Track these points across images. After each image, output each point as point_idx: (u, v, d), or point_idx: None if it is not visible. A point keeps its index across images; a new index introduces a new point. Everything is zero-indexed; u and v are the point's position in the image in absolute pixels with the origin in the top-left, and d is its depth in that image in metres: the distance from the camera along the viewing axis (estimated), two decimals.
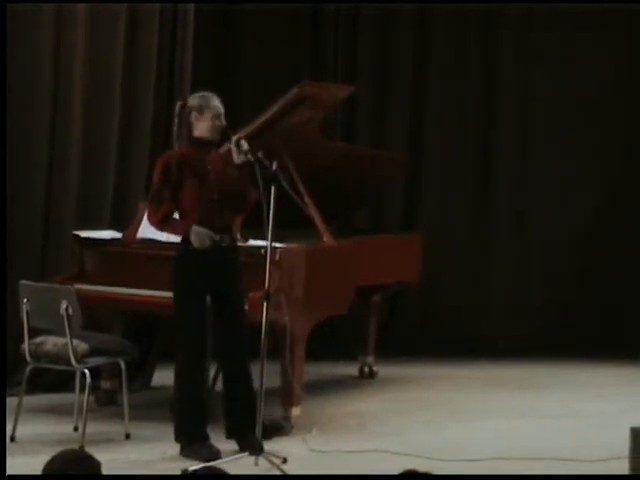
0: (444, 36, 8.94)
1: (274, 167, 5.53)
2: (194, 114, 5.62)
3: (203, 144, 5.67)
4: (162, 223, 5.67)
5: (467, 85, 9.00)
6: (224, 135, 5.69)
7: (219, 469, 3.32)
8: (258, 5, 8.48)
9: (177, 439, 5.63)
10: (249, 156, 5.52)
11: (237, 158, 5.55)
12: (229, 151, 5.67)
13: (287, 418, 6.16)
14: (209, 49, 8.26)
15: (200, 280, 5.61)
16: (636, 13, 8.63)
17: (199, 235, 5.53)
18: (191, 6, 7.46)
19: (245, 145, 5.56)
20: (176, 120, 5.71)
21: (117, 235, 6.61)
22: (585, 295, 8.88)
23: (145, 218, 6.40)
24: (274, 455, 5.46)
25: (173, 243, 6.03)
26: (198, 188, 5.57)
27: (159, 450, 5.68)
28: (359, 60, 8.92)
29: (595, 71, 8.86)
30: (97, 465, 3.21)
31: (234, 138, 5.60)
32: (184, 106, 5.68)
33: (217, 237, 5.56)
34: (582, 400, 7.27)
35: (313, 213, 6.43)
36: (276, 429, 5.86)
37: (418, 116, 8.99)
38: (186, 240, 5.59)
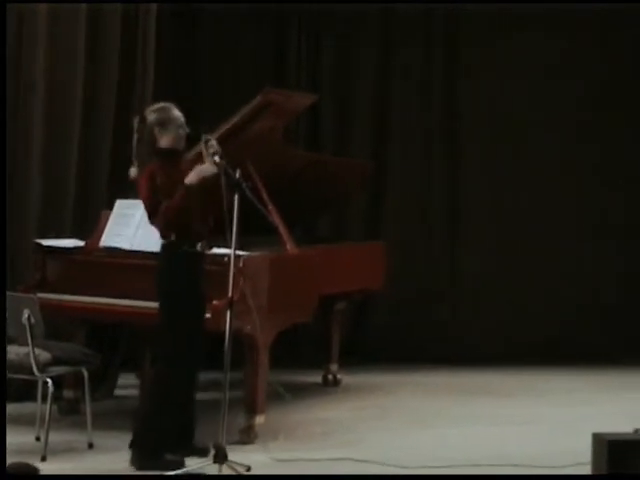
0: (407, 42, 8.97)
1: (237, 175, 5.52)
2: (157, 129, 5.60)
3: (171, 154, 5.66)
4: (166, 213, 5.56)
5: (432, 93, 9.03)
6: (194, 138, 5.68)
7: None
8: (221, 8, 8.45)
9: (139, 447, 5.59)
10: (217, 157, 5.50)
11: (207, 158, 5.55)
12: (199, 155, 5.66)
13: (250, 427, 6.15)
14: (171, 52, 8.22)
15: (198, 282, 5.61)
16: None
17: (203, 168, 5.49)
18: (153, 7, 7.43)
19: (215, 145, 5.56)
20: (136, 136, 5.67)
21: (80, 243, 6.57)
22: (552, 302, 8.93)
23: (108, 227, 6.38)
24: (238, 464, 5.44)
25: (136, 252, 6.01)
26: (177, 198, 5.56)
27: (122, 459, 5.64)
28: (322, 67, 8.93)
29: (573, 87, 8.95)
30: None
31: (203, 138, 5.60)
32: (143, 121, 5.65)
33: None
34: (548, 406, 7.31)
35: (277, 221, 6.43)
36: (199, 452, 5.76)
37: (381, 124, 9.01)
38: (174, 244, 5.56)
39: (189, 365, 5.64)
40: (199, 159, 5.63)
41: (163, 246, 5.62)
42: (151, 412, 5.63)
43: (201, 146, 5.59)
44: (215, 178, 5.50)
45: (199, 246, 5.62)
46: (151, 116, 5.64)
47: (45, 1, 6.97)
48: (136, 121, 5.69)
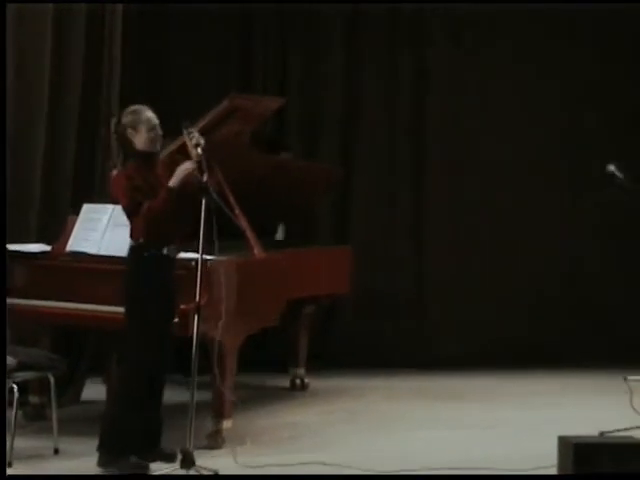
0: (375, 46, 8.99)
1: (205, 179, 5.52)
2: (129, 131, 5.61)
3: (146, 157, 5.65)
4: (148, 214, 5.54)
5: (399, 97, 9.06)
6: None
7: None
8: (188, 10, 8.44)
9: (105, 448, 5.57)
10: (199, 150, 5.51)
11: (191, 149, 5.55)
12: (181, 147, 5.66)
13: (218, 432, 6.14)
14: (138, 53, 8.19)
15: (166, 286, 5.60)
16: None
17: (183, 168, 5.51)
18: (119, 7, 7.41)
19: (197, 136, 5.57)
20: (115, 136, 5.66)
21: (46, 248, 6.54)
22: (519, 306, 8.96)
23: (75, 231, 6.35)
24: (205, 468, 5.43)
25: (103, 256, 5.98)
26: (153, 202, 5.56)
27: (89, 465, 5.62)
28: (289, 68, 8.93)
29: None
30: None
31: (185, 131, 5.61)
32: (119, 123, 5.65)
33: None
34: (513, 410, 7.34)
35: (244, 225, 6.42)
36: (166, 457, 5.74)
37: (349, 128, 9.03)
38: (143, 247, 5.55)
39: (154, 369, 5.63)
40: (181, 151, 5.64)
41: (131, 248, 5.61)
42: (116, 414, 5.62)
43: (184, 137, 5.61)
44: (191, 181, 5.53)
45: (168, 250, 5.61)
46: (124, 119, 5.65)
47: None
48: (113, 122, 5.69)
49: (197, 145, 5.55)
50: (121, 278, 5.65)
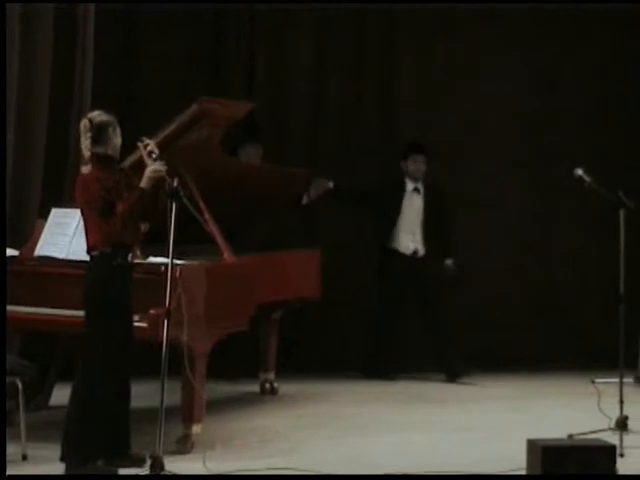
0: (342, 50, 9.00)
1: (175, 184, 5.52)
2: (111, 128, 5.60)
3: (107, 161, 5.64)
4: (122, 214, 5.53)
5: (366, 99, 9.06)
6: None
7: None
8: (159, 10, 8.42)
9: (68, 457, 5.54)
10: (154, 156, 5.52)
11: (148, 162, 5.55)
12: (137, 162, 5.65)
13: (187, 436, 6.12)
14: (106, 57, 8.16)
15: (126, 296, 5.59)
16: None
17: (153, 169, 5.51)
18: (91, 7, 7.38)
19: (154, 148, 5.57)
20: (89, 134, 5.62)
21: (14, 253, 6.51)
22: (488, 309, 8.98)
23: (43, 236, 6.32)
24: (174, 474, 5.41)
25: (71, 261, 5.95)
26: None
27: (56, 471, 5.59)
28: (257, 76, 8.93)
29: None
30: None
31: (142, 142, 5.60)
32: (91, 122, 5.62)
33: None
34: (482, 413, 7.37)
35: (213, 230, 6.42)
36: (135, 462, 5.73)
37: (315, 131, 9.03)
38: (108, 255, 5.53)
39: (118, 375, 5.61)
40: (138, 165, 5.63)
41: (95, 258, 5.58)
42: (76, 421, 5.59)
43: (140, 150, 5.60)
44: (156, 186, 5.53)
45: (130, 257, 5.61)
46: (102, 117, 5.65)
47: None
48: (82, 123, 5.67)
49: (151, 153, 5.54)
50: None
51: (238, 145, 8.05)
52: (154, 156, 5.58)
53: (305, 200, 8.25)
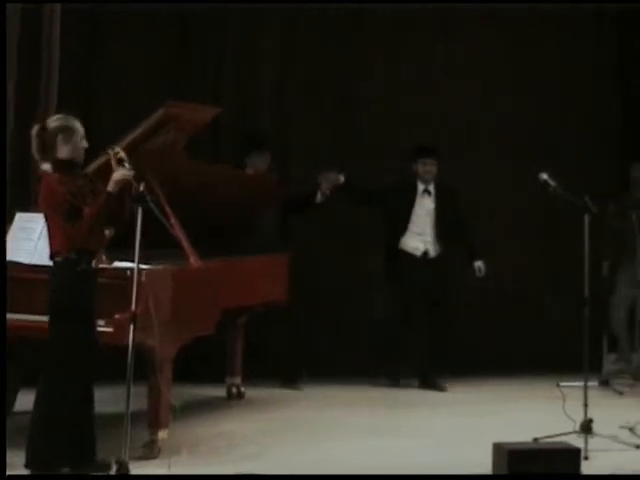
0: (306, 52, 9.01)
1: (141, 188, 5.50)
2: (61, 136, 5.56)
3: (72, 166, 5.61)
4: (90, 219, 5.50)
5: (330, 102, 9.07)
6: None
7: None
8: (123, 11, 8.39)
9: (32, 464, 5.51)
10: (126, 165, 5.50)
11: (116, 168, 5.53)
12: (104, 166, 5.62)
13: (153, 442, 6.10)
14: (73, 59, 8.12)
15: (90, 301, 5.56)
16: None
17: (121, 173, 5.49)
18: (57, 7, 7.35)
19: (123, 154, 5.56)
20: (37, 140, 5.59)
21: None
22: (452, 316, 9.00)
23: (8, 240, 6.28)
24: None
25: (37, 266, 5.92)
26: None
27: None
28: (224, 78, 8.92)
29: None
30: None
31: (112, 149, 5.59)
32: (44, 129, 5.58)
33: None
34: (448, 417, 7.39)
35: (179, 234, 6.40)
36: (101, 467, 5.71)
37: (284, 135, 9.02)
38: (72, 261, 5.50)
39: (81, 381, 5.58)
40: (103, 170, 5.60)
41: (59, 263, 5.55)
42: (40, 427, 5.55)
43: (110, 155, 5.58)
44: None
45: (94, 263, 5.58)
46: (56, 122, 5.61)
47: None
48: (37, 129, 5.62)
49: (121, 161, 5.53)
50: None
51: (245, 155, 8.11)
52: (125, 165, 5.54)
53: (319, 198, 8.21)
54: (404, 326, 8.53)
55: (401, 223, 8.50)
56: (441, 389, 8.35)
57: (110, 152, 5.60)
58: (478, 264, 8.53)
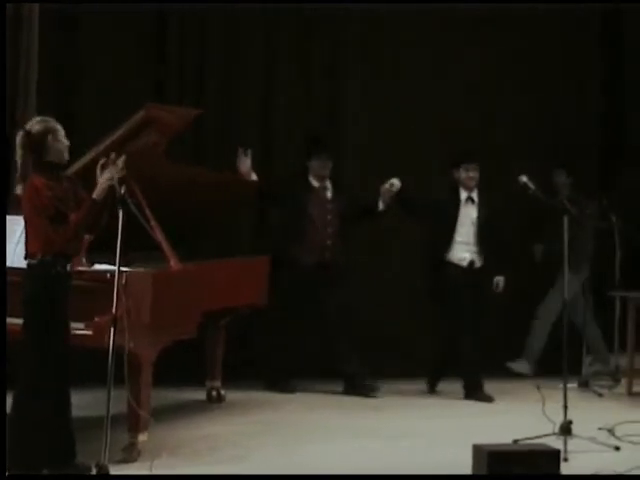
0: (288, 53, 9.01)
1: (122, 191, 5.50)
2: (50, 136, 5.54)
3: (57, 168, 5.60)
4: (76, 225, 5.50)
5: (313, 104, 9.08)
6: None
7: None
8: (102, 14, 8.38)
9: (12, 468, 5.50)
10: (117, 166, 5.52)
11: (99, 174, 5.54)
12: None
13: (133, 445, 6.09)
14: (51, 59, 8.09)
15: (64, 304, 5.55)
16: None
17: (105, 177, 5.49)
18: (35, 7, 7.34)
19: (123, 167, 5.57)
20: (21, 151, 5.56)
21: None
22: (429, 317, 9.00)
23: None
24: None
25: (16, 268, 5.91)
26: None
27: None
28: (205, 80, 8.91)
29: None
30: None
31: (111, 160, 5.60)
32: (29, 134, 5.56)
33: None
34: (428, 419, 7.41)
35: (160, 237, 6.39)
36: (81, 470, 5.69)
37: (267, 137, 9.02)
38: (47, 264, 5.49)
39: (55, 384, 5.56)
40: (87, 171, 5.60)
41: (34, 266, 5.52)
42: (17, 430, 5.52)
43: (108, 163, 5.58)
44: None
45: (69, 267, 5.57)
46: (41, 125, 5.57)
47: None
48: (20, 136, 5.59)
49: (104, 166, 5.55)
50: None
51: (306, 160, 8.22)
52: (113, 167, 5.54)
53: (381, 206, 8.10)
54: (450, 340, 8.28)
55: (447, 233, 8.18)
56: (489, 400, 8.06)
57: (110, 159, 5.57)
58: (498, 279, 8.32)
